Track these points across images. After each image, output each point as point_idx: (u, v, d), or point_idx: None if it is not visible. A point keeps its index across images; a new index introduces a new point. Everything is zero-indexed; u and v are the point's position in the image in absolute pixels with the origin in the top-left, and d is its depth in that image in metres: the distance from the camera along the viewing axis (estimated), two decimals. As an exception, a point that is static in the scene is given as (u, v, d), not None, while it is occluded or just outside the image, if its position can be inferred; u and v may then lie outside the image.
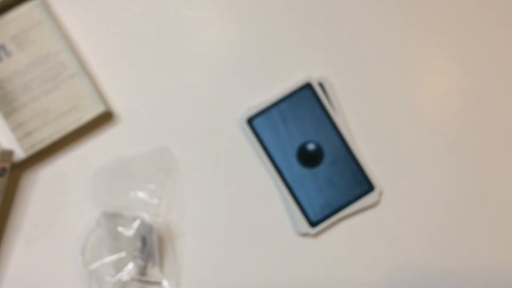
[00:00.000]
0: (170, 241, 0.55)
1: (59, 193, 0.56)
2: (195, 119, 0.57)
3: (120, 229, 0.53)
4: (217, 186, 0.56)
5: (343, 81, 0.57)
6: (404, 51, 0.58)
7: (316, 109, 0.55)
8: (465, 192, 0.56)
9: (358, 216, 0.56)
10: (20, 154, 0.54)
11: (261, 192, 0.56)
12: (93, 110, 0.55)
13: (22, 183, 0.56)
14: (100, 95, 0.55)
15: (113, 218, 0.54)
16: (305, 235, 0.56)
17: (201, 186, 0.56)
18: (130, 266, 0.53)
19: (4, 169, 0.52)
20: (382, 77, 0.57)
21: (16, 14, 0.55)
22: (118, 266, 0.53)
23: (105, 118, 0.57)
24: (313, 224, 0.54)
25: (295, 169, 0.55)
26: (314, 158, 0.55)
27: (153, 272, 0.54)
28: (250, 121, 0.55)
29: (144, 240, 0.53)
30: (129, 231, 0.53)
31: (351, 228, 0.56)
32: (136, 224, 0.53)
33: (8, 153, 0.52)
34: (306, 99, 0.55)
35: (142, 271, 0.53)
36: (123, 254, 0.53)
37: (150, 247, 0.53)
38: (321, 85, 0.56)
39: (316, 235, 0.56)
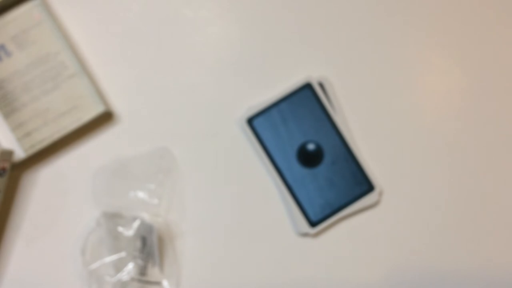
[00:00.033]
0: (170, 241, 0.55)
1: (59, 193, 0.56)
2: (195, 119, 0.57)
3: (120, 229, 0.53)
4: (217, 186, 0.56)
5: (343, 81, 0.57)
6: (404, 51, 0.58)
7: (316, 109, 0.55)
8: (465, 192, 0.56)
9: (358, 216, 0.56)
10: (20, 154, 0.54)
11: (261, 192, 0.56)
12: (93, 110, 0.55)
13: (22, 183, 0.56)
14: (100, 95, 0.55)
15: (113, 218, 0.54)
16: (305, 235, 0.56)
17: (201, 186, 0.56)
18: (130, 266, 0.53)
19: (4, 169, 0.52)
20: (382, 77, 0.57)
21: (16, 14, 0.55)
22: (118, 266, 0.53)
23: (105, 118, 0.57)
24: (313, 224, 0.54)
25: (295, 169, 0.55)
26: (314, 158, 0.55)
27: (153, 272, 0.54)
28: (250, 121, 0.55)
29: (144, 240, 0.53)
30: (129, 231, 0.53)
31: (351, 228, 0.56)
32: (136, 224, 0.53)
33: (8, 153, 0.52)
34: (306, 99, 0.55)
35: (142, 271, 0.53)
36: (123, 254, 0.53)
37: (150, 247, 0.53)
38: (321, 85, 0.56)
39: (316, 235, 0.56)
